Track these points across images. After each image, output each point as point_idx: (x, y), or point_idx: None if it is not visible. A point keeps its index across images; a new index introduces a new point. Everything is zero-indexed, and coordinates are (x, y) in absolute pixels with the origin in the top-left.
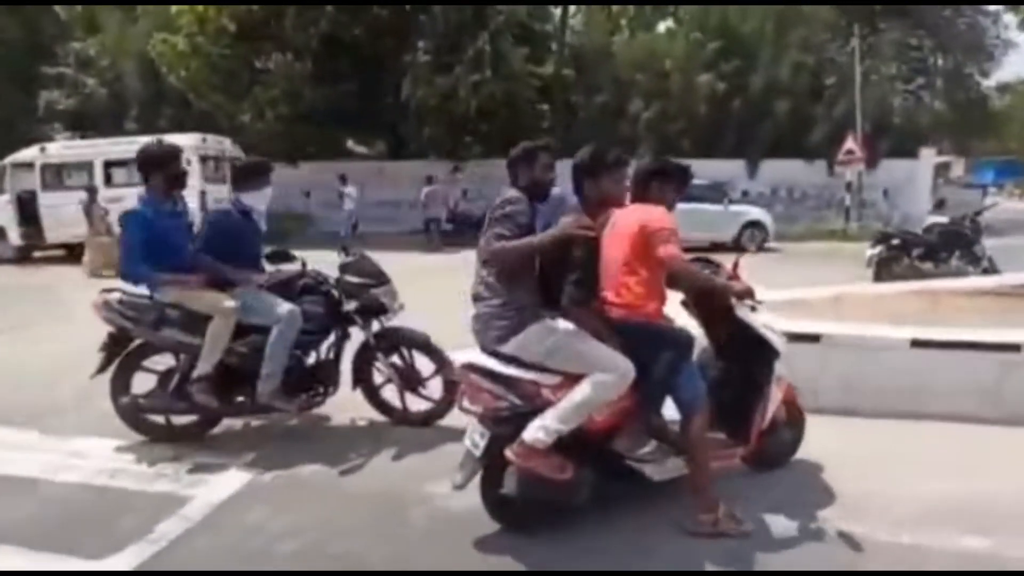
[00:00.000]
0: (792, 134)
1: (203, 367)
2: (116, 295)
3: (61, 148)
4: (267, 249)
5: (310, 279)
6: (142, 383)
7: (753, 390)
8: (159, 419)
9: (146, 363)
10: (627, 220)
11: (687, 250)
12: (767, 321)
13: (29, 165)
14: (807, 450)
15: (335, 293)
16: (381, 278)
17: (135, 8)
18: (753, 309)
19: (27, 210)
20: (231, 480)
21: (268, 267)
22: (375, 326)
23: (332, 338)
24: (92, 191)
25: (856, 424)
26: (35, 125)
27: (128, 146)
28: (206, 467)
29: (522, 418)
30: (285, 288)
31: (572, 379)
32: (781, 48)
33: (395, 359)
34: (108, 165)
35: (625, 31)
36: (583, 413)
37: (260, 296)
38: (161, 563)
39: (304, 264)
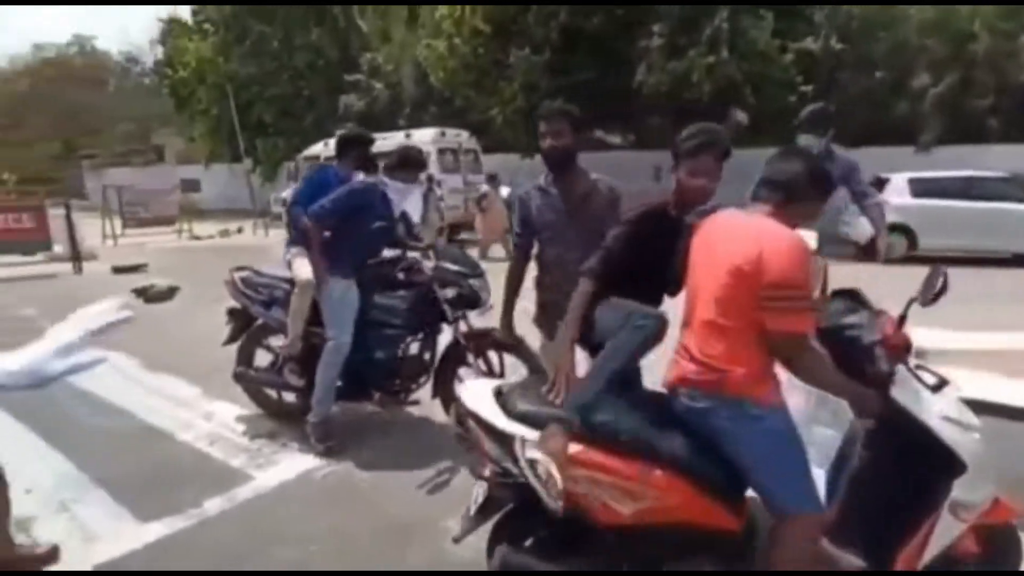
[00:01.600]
0: None
1: (288, 343)
2: (244, 273)
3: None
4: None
5: (405, 270)
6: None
7: (909, 508)
8: (272, 393)
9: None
10: (736, 243)
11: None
12: (955, 411)
13: (316, 158)
14: None
15: (428, 288)
16: (476, 269)
17: (417, 19)
18: (937, 389)
19: (316, 198)
20: (293, 466)
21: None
22: (463, 326)
23: (419, 335)
24: (430, 180)
25: None
26: (336, 125)
27: (388, 141)
28: (285, 448)
29: (523, 489)
30: (377, 279)
31: (594, 450)
32: None
33: (483, 363)
34: (374, 156)
35: None
36: None
37: (342, 302)
38: (175, 540)
39: (405, 252)
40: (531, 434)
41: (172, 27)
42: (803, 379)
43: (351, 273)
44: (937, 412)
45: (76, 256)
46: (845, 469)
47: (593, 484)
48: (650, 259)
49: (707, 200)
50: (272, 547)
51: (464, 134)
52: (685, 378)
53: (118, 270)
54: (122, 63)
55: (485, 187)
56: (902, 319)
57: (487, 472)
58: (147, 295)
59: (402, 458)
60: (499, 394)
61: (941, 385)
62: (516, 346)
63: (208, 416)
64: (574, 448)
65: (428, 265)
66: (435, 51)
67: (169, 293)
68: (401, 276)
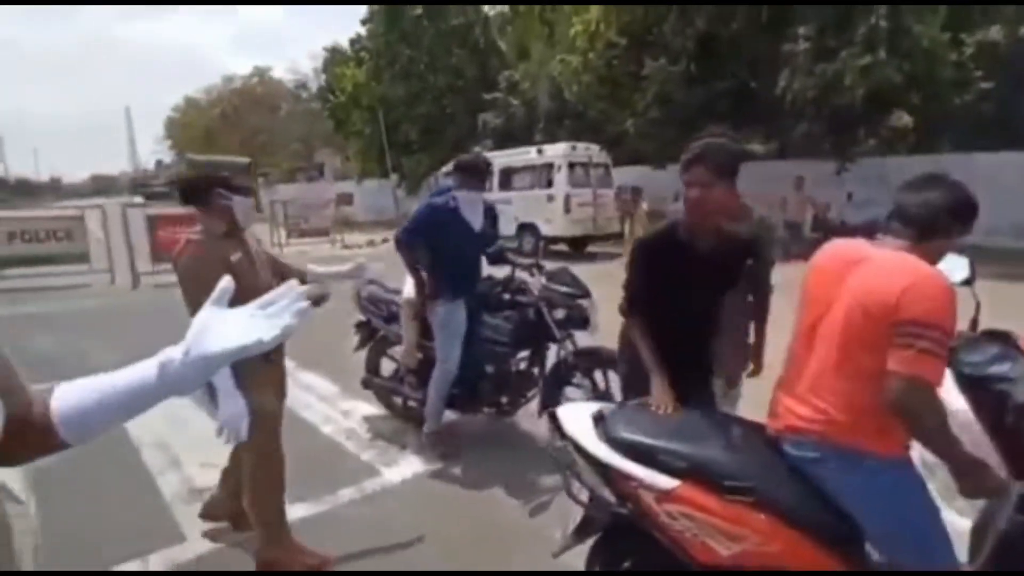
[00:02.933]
0: None
1: (403, 356)
2: (370, 288)
3: None
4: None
5: (511, 291)
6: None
7: None
8: (398, 399)
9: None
10: (868, 279)
11: None
12: None
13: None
14: None
15: (535, 307)
16: (585, 290)
17: (553, 35)
18: None
19: None
20: (414, 466)
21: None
22: (569, 346)
23: (525, 352)
24: (636, 190)
25: None
26: (474, 142)
27: (520, 156)
28: (409, 448)
29: (619, 517)
30: (485, 300)
31: (694, 488)
32: None
33: (589, 382)
34: (504, 171)
35: None
36: None
37: (447, 326)
38: (312, 522)
39: (513, 272)
40: (628, 464)
41: (333, 56)
42: (916, 436)
43: (455, 296)
44: None
45: None
46: (991, 529)
47: (691, 521)
48: (672, 278)
49: (703, 209)
50: (387, 540)
51: (595, 148)
52: (794, 425)
53: None
54: (292, 90)
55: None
56: None
57: (583, 497)
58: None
59: (511, 469)
60: (600, 418)
61: None
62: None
63: (345, 413)
64: (672, 484)
65: (534, 283)
66: (569, 66)
67: (320, 299)
68: (507, 297)
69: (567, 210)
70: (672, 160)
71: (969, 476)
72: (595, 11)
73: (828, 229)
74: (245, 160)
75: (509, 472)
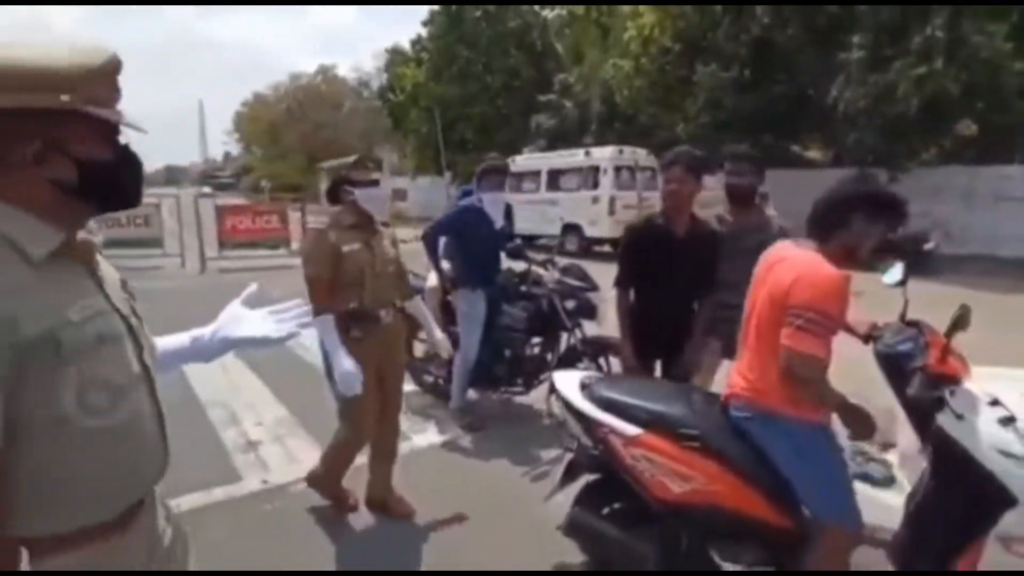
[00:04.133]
0: None
1: (436, 345)
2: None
3: (523, 159)
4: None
5: (528, 284)
6: None
7: (953, 536)
8: (428, 377)
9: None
10: (779, 273)
11: None
12: (1016, 446)
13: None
14: None
15: (548, 299)
16: (594, 284)
17: (608, 39)
18: (1005, 424)
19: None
20: (439, 435)
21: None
22: (579, 334)
23: (539, 340)
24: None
25: None
26: (527, 142)
27: (568, 158)
28: (436, 420)
29: (595, 461)
30: (505, 290)
31: (654, 436)
32: None
33: (596, 367)
34: (552, 173)
35: None
36: None
37: (469, 314)
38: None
39: (530, 266)
40: (602, 415)
41: (394, 56)
42: (804, 394)
43: (477, 286)
44: (990, 443)
45: None
46: (911, 495)
47: (650, 463)
48: (654, 262)
49: (680, 201)
50: (408, 497)
51: (641, 152)
52: (735, 392)
53: None
54: (355, 88)
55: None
56: (946, 349)
57: (571, 444)
58: None
59: (520, 442)
60: (585, 384)
61: (1010, 420)
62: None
63: None
64: (636, 431)
65: (548, 277)
66: (622, 70)
67: None
68: (524, 288)
69: (611, 212)
70: (722, 167)
71: (853, 422)
72: (650, 16)
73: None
74: (353, 157)
75: (518, 444)
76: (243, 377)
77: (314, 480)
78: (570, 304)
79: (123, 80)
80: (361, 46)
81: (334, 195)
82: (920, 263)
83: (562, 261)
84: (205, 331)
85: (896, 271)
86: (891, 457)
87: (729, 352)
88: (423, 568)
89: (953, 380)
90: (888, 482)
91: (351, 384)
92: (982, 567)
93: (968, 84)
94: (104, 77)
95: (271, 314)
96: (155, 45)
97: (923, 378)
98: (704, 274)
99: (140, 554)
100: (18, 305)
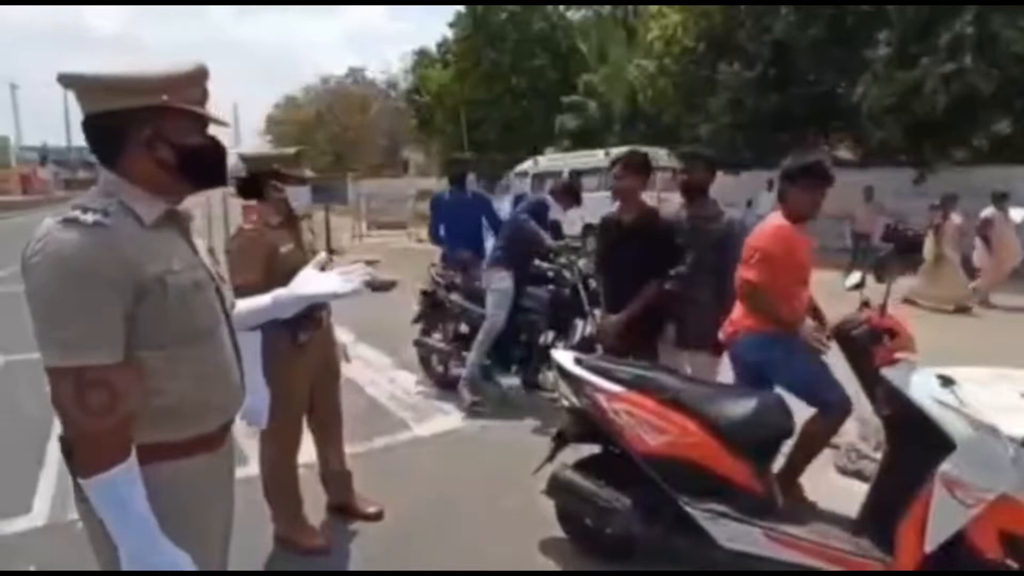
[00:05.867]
0: None
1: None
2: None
3: (546, 160)
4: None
5: (556, 268)
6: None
7: (903, 487)
8: (439, 368)
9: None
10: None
11: None
12: (951, 398)
13: (525, 173)
14: None
15: (571, 286)
16: None
17: (634, 40)
18: (945, 384)
19: None
20: (442, 424)
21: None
22: (593, 324)
23: (556, 330)
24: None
25: None
26: (551, 143)
27: (588, 158)
28: (441, 411)
29: (582, 417)
30: (532, 274)
31: (635, 393)
32: None
33: None
34: (573, 173)
35: None
36: None
37: (502, 288)
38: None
39: (557, 253)
40: (589, 375)
41: (421, 58)
42: (761, 315)
43: (510, 267)
44: (929, 394)
45: (330, 251)
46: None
47: (630, 417)
48: (610, 248)
49: (630, 197)
50: (408, 483)
51: (662, 152)
52: (724, 331)
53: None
54: (384, 89)
55: (989, 211)
56: (883, 307)
57: (562, 403)
58: (373, 285)
59: (528, 428)
60: (579, 359)
61: (948, 383)
62: None
63: (392, 380)
64: (619, 389)
65: (574, 264)
66: (645, 71)
67: (390, 285)
68: (551, 275)
69: None
70: (744, 167)
71: (792, 327)
72: (673, 16)
73: (901, 239)
74: (292, 150)
75: (520, 437)
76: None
77: (282, 540)
78: (592, 284)
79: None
80: (391, 48)
81: (252, 189)
82: None
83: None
84: (283, 291)
85: (854, 277)
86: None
87: (683, 340)
88: (424, 565)
89: (890, 332)
90: None
91: (258, 418)
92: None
93: (1001, 81)
94: (193, 81)
95: (339, 274)
96: (193, 47)
97: (866, 329)
98: (653, 257)
99: (226, 468)
100: (137, 253)
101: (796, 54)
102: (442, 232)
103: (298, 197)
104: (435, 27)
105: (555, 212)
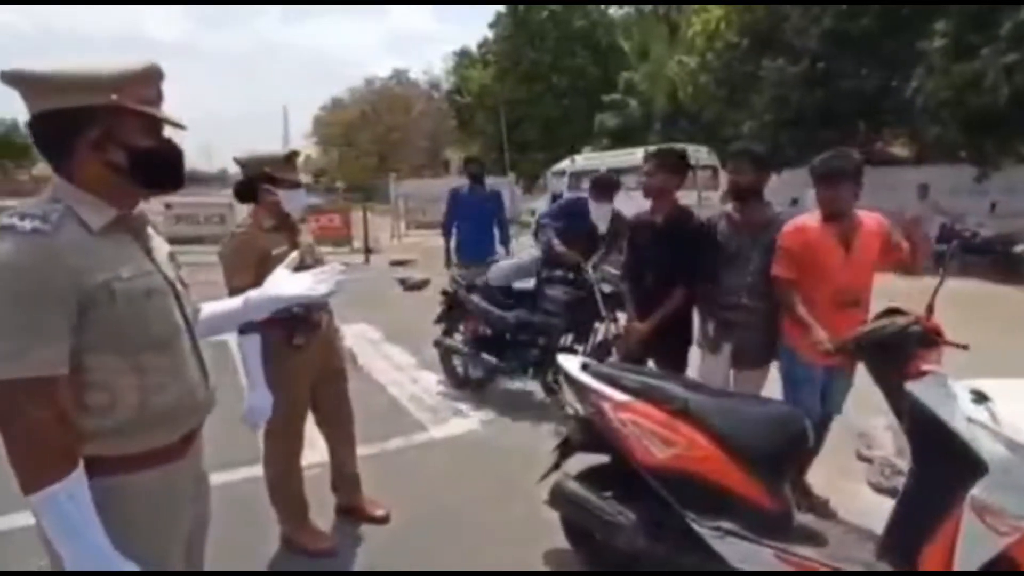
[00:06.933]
0: None
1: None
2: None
3: (583, 159)
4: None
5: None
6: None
7: (930, 508)
8: (459, 368)
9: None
10: None
11: None
12: (986, 417)
13: (562, 172)
14: None
15: (587, 291)
16: None
17: (676, 36)
18: (978, 402)
19: None
20: (458, 427)
21: None
22: (612, 329)
23: (574, 333)
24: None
25: None
26: (590, 141)
27: (627, 157)
28: (459, 413)
29: (587, 426)
30: (551, 276)
31: (642, 402)
32: None
33: None
34: (610, 172)
35: None
36: None
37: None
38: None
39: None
40: (595, 382)
41: (461, 58)
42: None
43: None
44: (960, 411)
45: (367, 250)
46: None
47: (637, 427)
48: (642, 248)
49: (661, 195)
50: (417, 486)
51: (703, 150)
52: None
53: (394, 263)
54: (426, 90)
55: None
56: (930, 308)
57: (567, 411)
58: (406, 284)
59: (541, 433)
60: (585, 366)
61: (982, 399)
62: None
63: (415, 380)
64: (625, 398)
65: (592, 268)
66: (686, 67)
67: (422, 284)
68: (571, 277)
69: None
70: (788, 165)
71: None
72: (716, 10)
73: (957, 240)
74: (284, 153)
75: (535, 442)
76: None
77: (288, 542)
78: (606, 288)
79: (213, 86)
80: (434, 49)
81: (248, 192)
82: (1011, 265)
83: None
84: (254, 292)
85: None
86: None
87: (739, 360)
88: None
89: (938, 332)
90: None
91: (257, 418)
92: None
93: None
94: (145, 80)
95: (312, 276)
96: (243, 52)
97: (918, 331)
98: (687, 258)
99: (190, 480)
100: (82, 261)
101: (845, 47)
102: (455, 226)
103: (292, 200)
104: (479, 28)
105: (595, 212)
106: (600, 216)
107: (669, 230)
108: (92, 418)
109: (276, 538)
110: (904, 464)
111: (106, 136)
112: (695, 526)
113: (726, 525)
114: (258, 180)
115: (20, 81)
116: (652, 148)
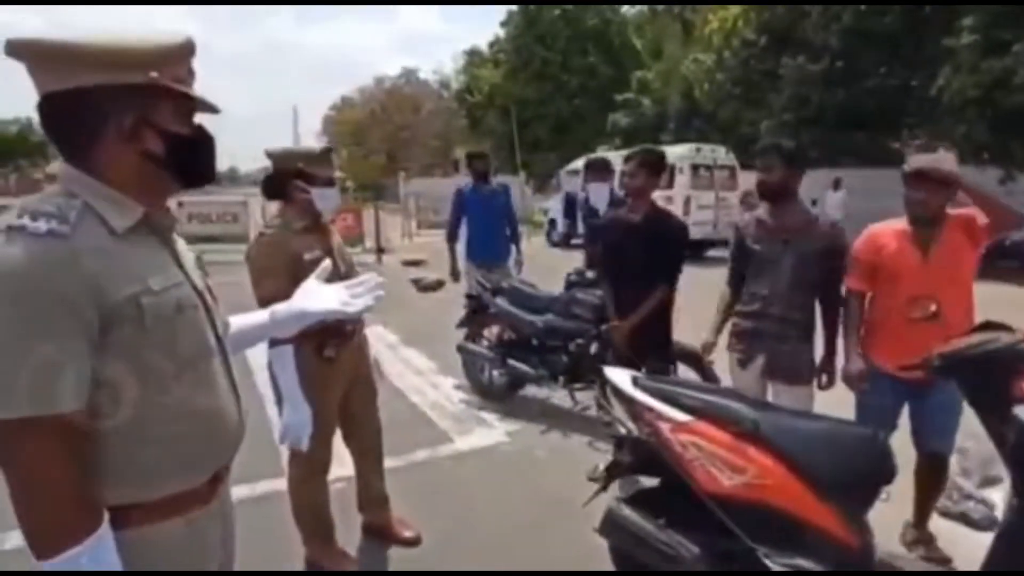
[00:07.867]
0: None
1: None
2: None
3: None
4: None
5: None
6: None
7: None
8: (483, 375)
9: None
10: None
11: None
12: None
13: (576, 172)
14: None
15: None
16: None
17: (691, 34)
18: None
19: (571, 207)
20: (485, 438)
21: None
22: None
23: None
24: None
25: None
26: (602, 141)
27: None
28: (483, 422)
29: (641, 447)
30: (580, 279)
31: (705, 423)
32: None
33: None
34: (623, 173)
35: None
36: None
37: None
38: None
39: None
40: (650, 399)
41: (472, 58)
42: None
43: None
44: None
45: (379, 249)
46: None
47: (699, 451)
48: (619, 246)
49: (641, 195)
50: (447, 502)
51: (721, 150)
52: None
53: (406, 263)
54: (436, 89)
55: None
56: None
57: (617, 430)
58: (419, 285)
59: (574, 445)
60: (636, 378)
61: None
62: (699, 360)
63: (435, 386)
64: (686, 417)
65: None
66: (702, 65)
67: (436, 285)
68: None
69: (686, 212)
70: (808, 165)
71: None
72: (734, 8)
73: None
74: (320, 148)
75: (566, 454)
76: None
77: (311, 564)
78: None
79: (223, 86)
80: (444, 49)
81: (277, 189)
82: None
83: None
84: (281, 306)
85: None
86: (995, 495)
87: (772, 371)
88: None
89: None
90: (989, 523)
91: (298, 437)
92: None
93: None
94: (183, 57)
95: (346, 288)
96: (254, 52)
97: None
98: (663, 257)
99: (218, 524)
100: (103, 270)
101: (867, 45)
102: (463, 229)
103: (325, 199)
104: (488, 28)
105: (594, 195)
106: (599, 197)
107: (647, 229)
108: (108, 460)
109: (298, 559)
110: (971, 486)
111: (143, 121)
112: (767, 561)
113: (803, 563)
114: (289, 176)
115: (34, 53)
116: (671, 149)
